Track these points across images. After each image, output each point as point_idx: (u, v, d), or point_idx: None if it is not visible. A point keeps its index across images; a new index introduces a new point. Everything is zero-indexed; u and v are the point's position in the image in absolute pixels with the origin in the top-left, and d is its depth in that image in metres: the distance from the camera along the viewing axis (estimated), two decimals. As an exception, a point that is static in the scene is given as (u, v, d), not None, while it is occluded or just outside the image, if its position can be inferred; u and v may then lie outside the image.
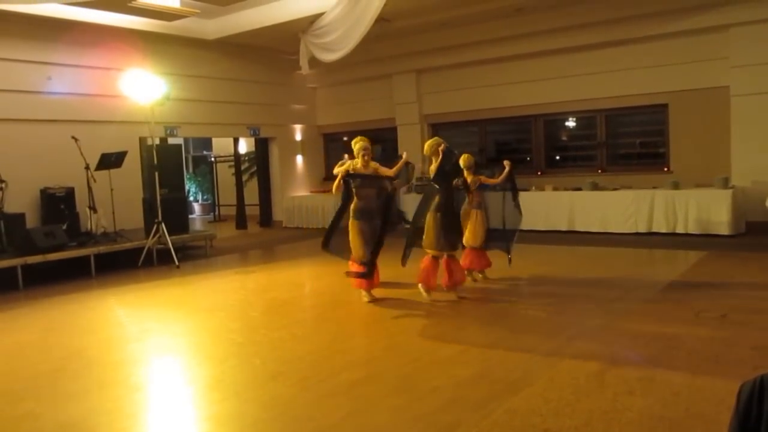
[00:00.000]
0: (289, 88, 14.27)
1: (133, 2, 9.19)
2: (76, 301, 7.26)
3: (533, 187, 11.46)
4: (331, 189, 7.01)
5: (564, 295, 6.46)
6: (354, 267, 6.45)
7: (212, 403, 3.93)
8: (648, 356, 4.32)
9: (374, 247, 6.32)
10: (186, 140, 17.18)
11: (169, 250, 9.18)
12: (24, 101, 9.55)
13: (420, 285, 6.45)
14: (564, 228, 10.75)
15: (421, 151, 12.88)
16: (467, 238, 7.07)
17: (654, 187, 10.21)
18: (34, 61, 9.65)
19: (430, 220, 6.33)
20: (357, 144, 6.49)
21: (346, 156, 6.95)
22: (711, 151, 10.07)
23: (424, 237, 6.37)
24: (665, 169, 10.64)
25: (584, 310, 5.77)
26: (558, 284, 6.98)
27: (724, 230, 9.33)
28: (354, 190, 6.36)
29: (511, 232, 7.19)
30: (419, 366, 4.38)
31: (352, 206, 6.38)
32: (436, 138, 6.60)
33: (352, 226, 6.37)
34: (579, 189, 10.86)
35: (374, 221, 6.35)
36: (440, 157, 6.26)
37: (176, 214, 10.07)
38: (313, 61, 11.17)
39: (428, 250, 6.38)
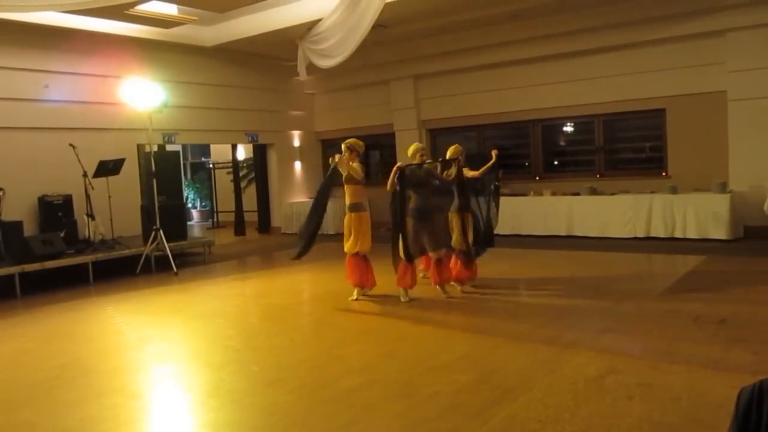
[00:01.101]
0: (287, 95, 14.29)
1: (131, 10, 9.20)
2: (74, 308, 7.25)
3: (531, 192, 11.47)
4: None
5: (563, 300, 6.45)
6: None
7: (210, 411, 3.92)
8: (647, 360, 4.31)
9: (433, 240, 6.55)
10: (184, 147, 17.20)
11: (168, 256, 9.16)
12: (21, 109, 9.56)
13: (454, 282, 6.89)
14: (563, 233, 10.76)
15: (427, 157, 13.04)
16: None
17: (652, 192, 10.21)
18: (31, 69, 9.67)
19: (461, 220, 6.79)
20: (411, 147, 6.83)
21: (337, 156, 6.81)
22: (709, 156, 10.08)
23: (454, 237, 6.78)
24: (663, 173, 10.65)
25: (583, 315, 5.77)
26: (557, 289, 6.97)
27: (723, 235, 9.34)
28: (409, 189, 6.51)
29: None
30: (418, 372, 4.38)
31: (409, 205, 6.55)
32: (458, 145, 6.96)
33: (407, 224, 6.51)
34: (577, 194, 10.87)
35: (430, 221, 6.51)
36: (494, 161, 6.81)
37: (174, 220, 10.05)
38: (311, 68, 11.19)
39: (459, 248, 6.78)
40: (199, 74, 12.04)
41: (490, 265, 7.80)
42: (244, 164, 16.03)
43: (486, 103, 12.30)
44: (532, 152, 12.27)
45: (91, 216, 9.25)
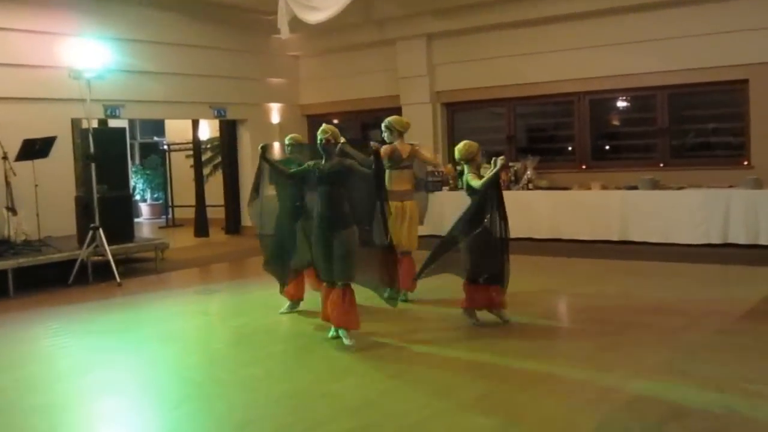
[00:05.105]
0: (265, 58, 14.31)
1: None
2: (-10, 328, 7.27)
3: (576, 185, 11.48)
4: None
5: (616, 323, 6.46)
6: None
7: (163, 460, 3.94)
8: (719, 401, 4.32)
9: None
10: (132, 123, 17.20)
11: (109, 263, 9.19)
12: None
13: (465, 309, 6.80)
14: (615, 238, 10.77)
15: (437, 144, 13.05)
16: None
17: (730, 186, 10.23)
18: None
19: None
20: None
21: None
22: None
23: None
24: (744, 163, 10.66)
25: (641, 344, 5.78)
26: (608, 309, 6.98)
27: (820, 242, 9.36)
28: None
29: None
30: (427, 414, 4.39)
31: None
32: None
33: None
34: (634, 188, 10.89)
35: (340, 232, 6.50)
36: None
37: (118, 217, 10.10)
38: (295, 23, 11.16)
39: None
40: (153, 31, 12.00)
41: (521, 278, 7.80)
42: (208, 146, 16.06)
43: (518, 71, 12.29)
44: (576, 134, 12.28)
45: (12, 210, 9.27)
